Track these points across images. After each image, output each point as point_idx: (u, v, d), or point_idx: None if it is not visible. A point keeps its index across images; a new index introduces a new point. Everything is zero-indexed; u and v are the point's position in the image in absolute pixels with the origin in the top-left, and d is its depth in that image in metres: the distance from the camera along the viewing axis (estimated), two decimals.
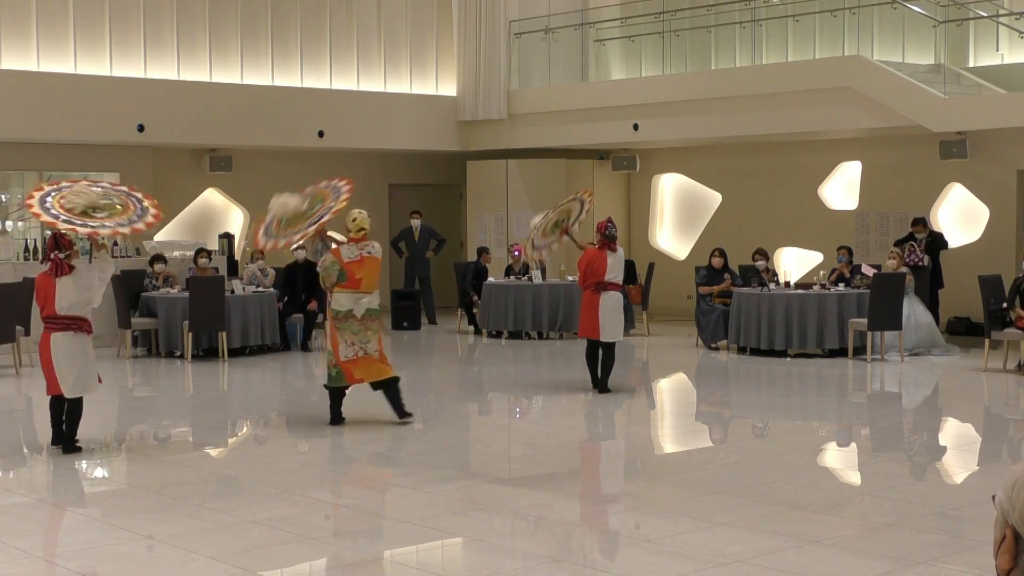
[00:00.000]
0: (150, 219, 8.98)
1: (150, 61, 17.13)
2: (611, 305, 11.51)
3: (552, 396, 11.98)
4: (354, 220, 10.01)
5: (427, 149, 19.82)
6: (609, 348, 11.64)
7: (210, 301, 14.34)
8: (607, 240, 11.53)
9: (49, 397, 8.99)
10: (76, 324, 8.81)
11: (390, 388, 10.11)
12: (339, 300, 9.88)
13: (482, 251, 17.92)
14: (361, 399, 10.49)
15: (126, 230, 8.92)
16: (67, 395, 8.83)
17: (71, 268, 8.82)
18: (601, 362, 11.67)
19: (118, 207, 8.99)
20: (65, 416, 8.93)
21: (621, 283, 11.78)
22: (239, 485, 8.11)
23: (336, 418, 10.14)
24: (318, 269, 10.05)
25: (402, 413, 10.11)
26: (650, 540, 6.63)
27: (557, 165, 19.76)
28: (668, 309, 18.90)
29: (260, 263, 16.04)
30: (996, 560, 2.03)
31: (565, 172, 19.83)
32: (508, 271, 17.47)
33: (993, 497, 2.08)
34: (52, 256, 8.81)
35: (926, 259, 15.22)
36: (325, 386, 10.20)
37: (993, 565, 2.05)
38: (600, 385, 11.68)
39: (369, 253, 9.97)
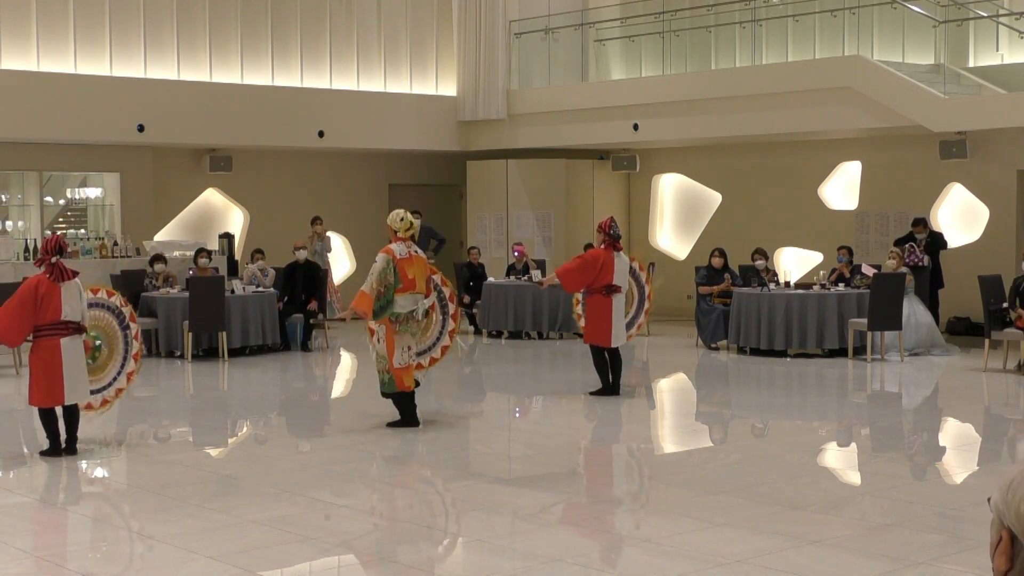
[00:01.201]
0: (94, 400, 9.24)
1: (150, 61, 17.12)
2: (619, 309, 11.39)
3: (552, 396, 11.98)
4: (403, 219, 9.82)
5: (427, 149, 19.82)
6: (616, 350, 11.57)
7: (210, 301, 14.34)
8: (612, 240, 11.29)
9: (38, 409, 8.84)
10: (80, 328, 8.80)
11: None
12: (399, 303, 9.61)
13: (470, 249, 18.02)
14: (366, 399, 10.48)
15: (91, 400, 9.23)
16: (68, 401, 8.80)
17: (74, 273, 8.77)
18: (611, 365, 11.54)
19: (102, 359, 9.30)
20: (66, 421, 8.90)
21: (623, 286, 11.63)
22: (239, 485, 8.11)
23: (411, 419, 9.91)
24: (372, 273, 9.64)
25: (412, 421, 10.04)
26: (650, 540, 6.63)
27: (557, 165, 19.76)
28: (668, 309, 18.90)
29: (260, 263, 16.05)
30: (992, 562, 2.03)
31: (565, 172, 19.83)
32: (510, 270, 17.50)
33: (989, 499, 2.08)
34: (54, 260, 8.63)
35: (926, 259, 15.22)
36: (383, 394, 9.93)
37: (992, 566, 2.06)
38: (615, 388, 11.58)
39: (417, 252, 9.85)
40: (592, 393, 11.63)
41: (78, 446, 8.95)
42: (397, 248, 9.72)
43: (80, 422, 9.00)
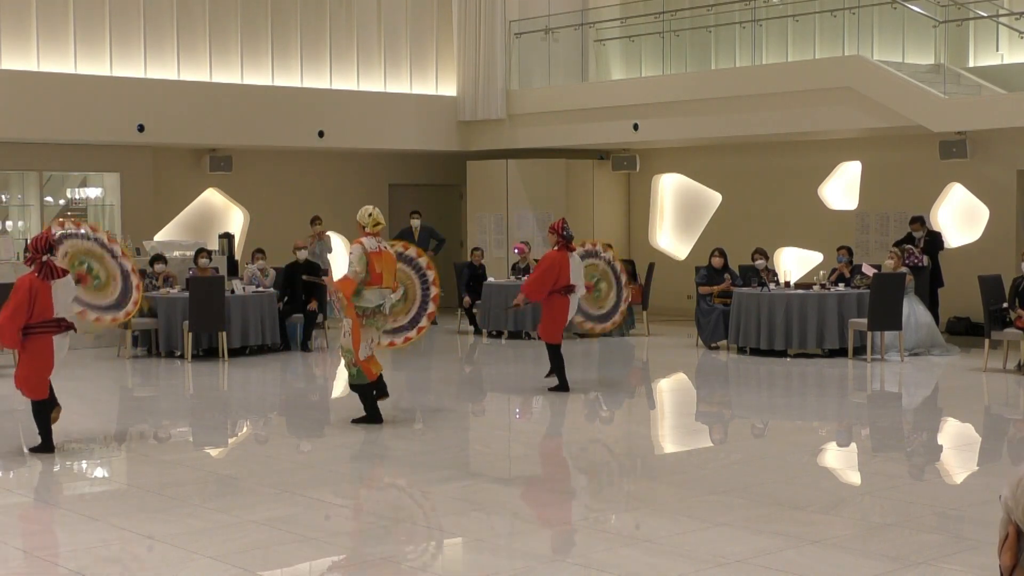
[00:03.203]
0: (120, 315, 9.73)
1: (150, 61, 17.12)
2: (574, 308, 11.77)
3: (552, 396, 11.97)
4: (370, 215, 10.07)
5: (427, 149, 19.82)
6: (558, 347, 11.84)
7: (210, 301, 14.34)
8: (566, 241, 11.61)
9: (32, 403, 8.99)
10: (69, 325, 8.94)
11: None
12: (366, 297, 9.85)
13: (473, 250, 18.02)
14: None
15: (102, 317, 9.70)
16: (45, 394, 8.95)
17: (64, 272, 8.88)
18: (554, 360, 11.85)
19: (103, 280, 9.65)
20: (38, 415, 9.06)
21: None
22: (239, 485, 8.11)
23: (376, 415, 10.09)
24: (351, 262, 9.88)
25: (384, 393, 10.26)
26: (650, 540, 6.62)
27: (557, 165, 19.76)
28: (668, 309, 18.90)
29: (260, 263, 16.04)
30: (999, 558, 2.02)
31: (565, 172, 19.83)
32: (514, 269, 17.52)
33: (1000, 496, 2.06)
34: (45, 259, 8.74)
35: (925, 259, 15.21)
36: (352, 387, 10.16)
37: (995, 563, 2.04)
38: (561, 382, 11.85)
39: (385, 247, 10.12)
40: (551, 389, 11.87)
41: (59, 442, 9.12)
42: (366, 242, 9.96)
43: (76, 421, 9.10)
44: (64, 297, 8.85)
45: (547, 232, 11.93)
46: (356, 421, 10.16)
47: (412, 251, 10.87)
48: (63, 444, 9.23)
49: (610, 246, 16.52)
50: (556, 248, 11.60)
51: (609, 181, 20.34)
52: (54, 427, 9.19)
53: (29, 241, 9.01)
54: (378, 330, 10.03)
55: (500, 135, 19.34)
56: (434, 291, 10.81)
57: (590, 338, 16.25)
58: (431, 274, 10.82)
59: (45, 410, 8.97)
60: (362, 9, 18.99)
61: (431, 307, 10.81)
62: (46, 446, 8.95)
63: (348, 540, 6.82)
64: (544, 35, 19.31)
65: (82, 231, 9.59)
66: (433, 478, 8.27)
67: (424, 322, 10.80)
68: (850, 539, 6.58)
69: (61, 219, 9.96)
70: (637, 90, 17.97)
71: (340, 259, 19.37)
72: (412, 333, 10.77)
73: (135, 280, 9.73)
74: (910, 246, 15.23)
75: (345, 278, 9.89)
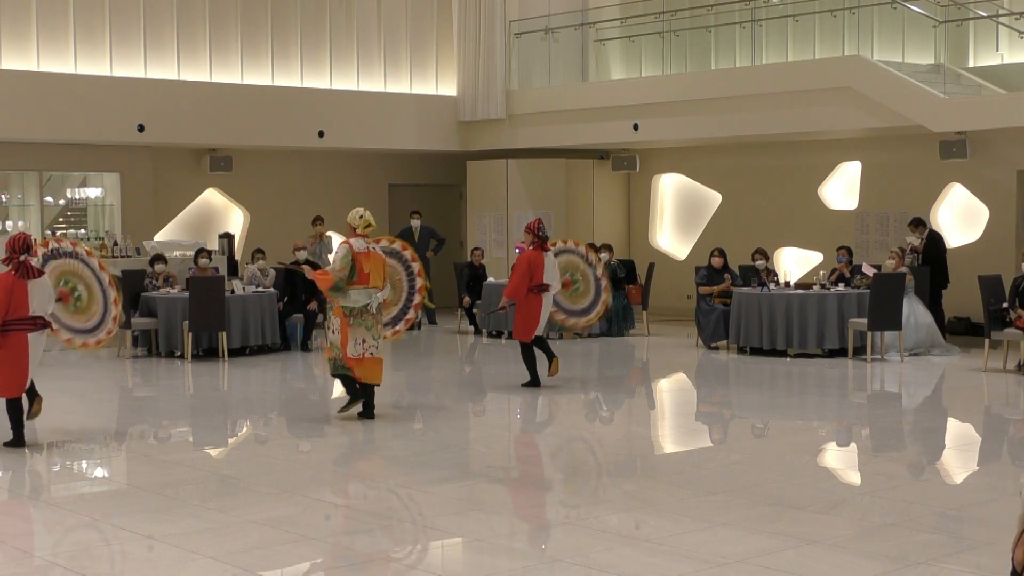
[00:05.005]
0: (91, 340, 10.00)
1: (150, 61, 17.12)
2: (547, 305, 11.92)
3: (552, 396, 11.98)
4: (361, 216, 10.28)
5: (427, 149, 19.82)
6: (542, 339, 12.00)
7: (210, 301, 14.34)
8: (541, 241, 11.78)
9: (6, 401, 9.11)
10: (45, 323, 9.08)
11: (370, 389, 10.39)
12: (352, 297, 10.09)
13: (473, 250, 18.02)
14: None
15: (73, 339, 9.98)
16: (21, 392, 9.06)
17: (40, 272, 9.00)
18: (545, 352, 12.00)
19: (84, 302, 9.94)
20: (11, 410, 9.15)
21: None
22: (239, 485, 8.11)
23: (357, 394, 10.30)
24: (334, 260, 10.18)
25: (371, 414, 10.34)
26: (650, 540, 6.62)
27: (557, 165, 19.76)
28: (668, 309, 18.90)
29: (260, 263, 16.04)
30: (1013, 552, 1.99)
31: (565, 172, 19.84)
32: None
33: (1022, 492, 2.06)
34: (22, 259, 8.91)
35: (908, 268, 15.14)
36: (333, 375, 10.38)
37: (995, 564, 2.03)
38: (550, 369, 12.03)
39: (374, 248, 10.31)
40: (523, 385, 12.07)
41: (59, 441, 9.19)
42: (355, 243, 10.18)
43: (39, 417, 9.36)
44: (40, 297, 9.01)
45: (523, 230, 12.05)
46: (342, 411, 10.40)
47: (398, 244, 11.16)
48: (63, 443, 9.23)
49: (610, 248, 16.60)
50: (531, 248, 11.78)
51: (609, 181, 20.35)
52: (39, 421, 9.36)
53: (6, 241, 9.16)
54: (368, 330, 10.14)
55: (500, 135, 19.34)
56: (419, 282, 11.10)
57: (589, 338, 16.25)
58: (416, 266, 11.11)
59: (17, 406, 9.09)
60: (362, 9, 18.99)
61: (417, 298, 11.09)
62: (18, 440, 9.10)
63: (347, 540, 6.82)
64: (544, 35, 19.31)
65: (69, 249, 9.86)
66: (433, 478, 8.27)
67: (411, 313, 11.10)
68: (850, 539, 6.58)
69: (48, 235, 10.23)
70: (637, 90, 17.98)
71: None
72: (400, 326, 11.08)
73: (113, 296, 9.92)
74: (901, 248, 15.18)
75: (324, 273, 10.17)
